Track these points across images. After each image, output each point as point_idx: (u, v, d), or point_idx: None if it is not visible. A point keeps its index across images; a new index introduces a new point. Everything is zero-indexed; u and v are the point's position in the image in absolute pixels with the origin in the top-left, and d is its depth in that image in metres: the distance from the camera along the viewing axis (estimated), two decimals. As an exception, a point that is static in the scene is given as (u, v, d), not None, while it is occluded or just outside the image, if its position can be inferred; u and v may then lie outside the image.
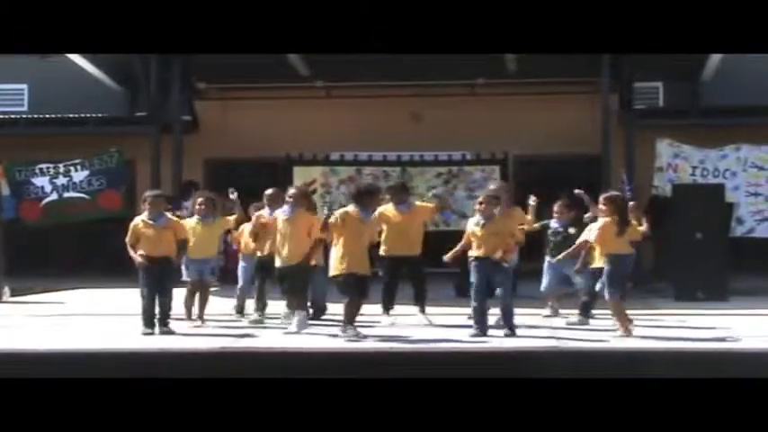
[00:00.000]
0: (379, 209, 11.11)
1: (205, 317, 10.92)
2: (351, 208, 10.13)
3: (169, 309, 10.24)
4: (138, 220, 10.38)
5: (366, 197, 10.22)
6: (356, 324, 9.88)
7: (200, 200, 11.15)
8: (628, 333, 9.76)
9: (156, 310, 10.17)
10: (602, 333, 10.08)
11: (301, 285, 10.47)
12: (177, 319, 10.55)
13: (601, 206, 10.13)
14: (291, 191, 10.69)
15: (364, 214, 10.08)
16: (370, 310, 10.75)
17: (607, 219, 9.99)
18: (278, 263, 10.42)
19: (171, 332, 10.08)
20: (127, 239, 10.37)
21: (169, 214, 10.72)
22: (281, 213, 10.48)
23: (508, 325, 9.94)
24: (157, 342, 9.67)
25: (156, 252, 10.17)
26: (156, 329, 10.08)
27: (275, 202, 10.98)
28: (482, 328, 9.89)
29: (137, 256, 10.20)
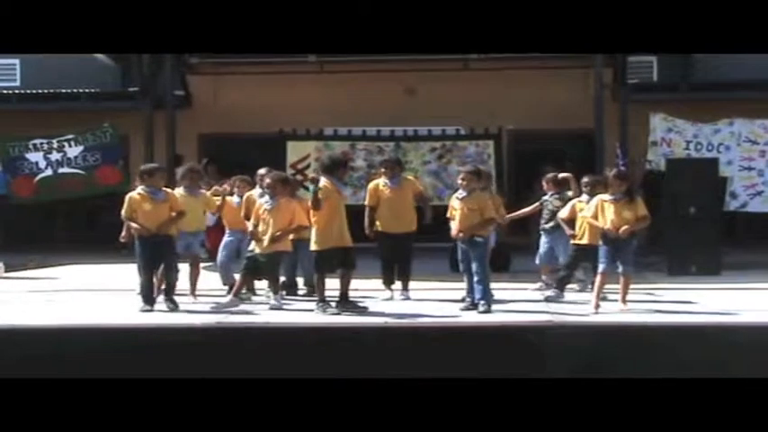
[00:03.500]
0: (371, 183, 11.15)
1: (197, 292, 10.91)
2: (325, 180, 10.03)
3: (175, 283, 10.21)
4: (135, 194, 10.26)
5: (338, 168, 10.23)
6: (328, 298, 9.96)
7: (182, 171, 11.12)
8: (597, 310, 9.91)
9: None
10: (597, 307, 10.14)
11: (276, 270, 10.48)
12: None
13: (611, 182, 10.13)
14: (267, 180, 10.48)
15: (339, 185, 10.11)
16: (366, 285, 10.80)
17: (608, 196, 10.06)
18: (257, 249, 10.32)
19: (176, 306, 10.05)
20: (123, 213, 10.30)
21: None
22: (263, 202, 10.37)
23: (486, 300, 9.91)
24: (152, 317, 9.70)
25: (154, 226, 10.06)
26: (164, 304, 10.06)
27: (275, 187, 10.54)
28: (473, 300, 9.97)
29: (136, 225, 10.07)
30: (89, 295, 11.60)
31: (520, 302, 10.60)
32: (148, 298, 10.07)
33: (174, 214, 10.23)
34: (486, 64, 18.00)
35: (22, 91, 18.98)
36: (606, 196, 10.10)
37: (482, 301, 9.85)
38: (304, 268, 11.10)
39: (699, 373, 6.35)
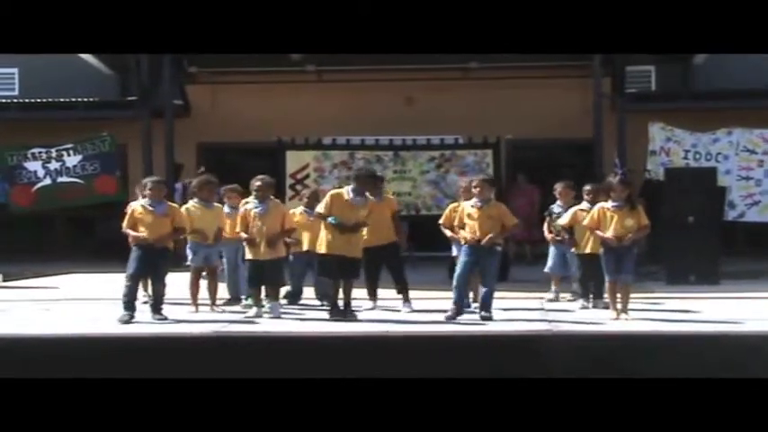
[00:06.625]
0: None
1: (202, 301, 10.85)
2: (343, 190, 10.24)
3: (163, 296, 10.12)
4: (137, 206, 10.23)
5: (362, 181, 10.23)
6: (353, 308, 10.06)
7: (198, 182, 11.14)
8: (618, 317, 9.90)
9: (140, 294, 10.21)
10: (597, 317, 10.15)
11: (280, 277, 10.51)
12: (177, 304, 10.60)
13: (615, 187, 10.09)
14: (257, 184, 10.42)
15: (356, 198, 10.10)
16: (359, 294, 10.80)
17: (610, 204, 10.04)
18: (252, 255, 10.30)
19: (164, 319, 9.98)
20: (123, 225, 10.24)
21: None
22: (253, 208, 10.37)
23: (487, 309, 9.93)
24: (153, 326, 9.66)
25: (153, 237, 10.03)
26: (150, 317, 9.99)
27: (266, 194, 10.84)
28: (460, 309, 9.94)
29: (136, 234, 10.03)
30: (87, 304, 11.58)
31: (519, 311, 10.58)
32: (130, 305, 9.92)
33: (177, 229, 10.26)
34: (484, 73, 18.04)
35: (21, 100, 18.99)
36: (607, 204, 10.07)
37: (485, 309, 9.88)
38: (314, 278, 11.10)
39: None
